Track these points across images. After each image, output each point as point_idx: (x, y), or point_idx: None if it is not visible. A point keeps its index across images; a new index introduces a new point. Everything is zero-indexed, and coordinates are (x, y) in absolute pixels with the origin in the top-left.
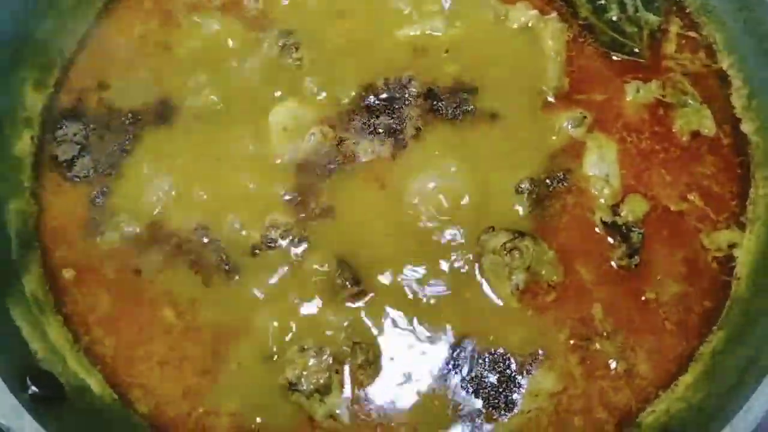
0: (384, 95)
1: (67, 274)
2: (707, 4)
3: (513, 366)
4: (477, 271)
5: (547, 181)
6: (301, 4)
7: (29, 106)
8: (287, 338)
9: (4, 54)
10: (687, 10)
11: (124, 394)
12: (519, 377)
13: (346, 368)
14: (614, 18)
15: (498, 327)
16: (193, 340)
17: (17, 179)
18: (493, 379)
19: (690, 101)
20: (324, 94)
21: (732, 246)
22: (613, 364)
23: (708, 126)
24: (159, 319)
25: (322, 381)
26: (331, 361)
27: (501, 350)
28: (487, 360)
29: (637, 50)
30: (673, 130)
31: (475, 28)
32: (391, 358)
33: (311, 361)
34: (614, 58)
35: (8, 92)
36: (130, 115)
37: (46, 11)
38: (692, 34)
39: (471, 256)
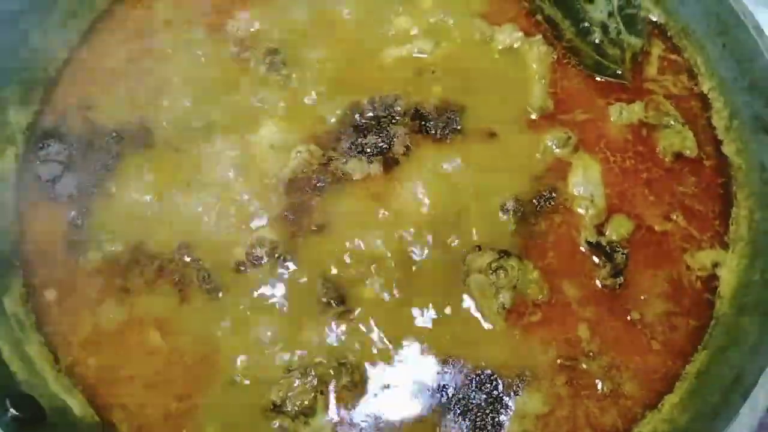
0: (370, 114)
1: (49, 293)
2: (687, 27)
3: (500, 387)
4: (464, 291)
5: (534, 200)
6: (289, 23)
7: (13, 123)
8: (271, 359)
9: None
10: (668, 34)
11: (106, 416)
12: (506, 398)
13: (331, 389)
14: (597, 40)
15: (485, 347)
16: (176, 361)
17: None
18: (480, 400)
19: (672, 122)
20: (311, 112)
21: (715, 265)
22: (599, 385)
23: (690, 147)
24: (143, 340)
25: (306, 402)
26: (315, 383)
27: (488, 371)
28: (474, 381)
29: (619, 72)
30: (656, 151)
31: (461, 49)
32: (377, 379)
33: (296, 383)
34: (597, 79)
35: None
36: (113, 134)
37: (32, 30)
38: (674, 56)
39: (458, 276)
